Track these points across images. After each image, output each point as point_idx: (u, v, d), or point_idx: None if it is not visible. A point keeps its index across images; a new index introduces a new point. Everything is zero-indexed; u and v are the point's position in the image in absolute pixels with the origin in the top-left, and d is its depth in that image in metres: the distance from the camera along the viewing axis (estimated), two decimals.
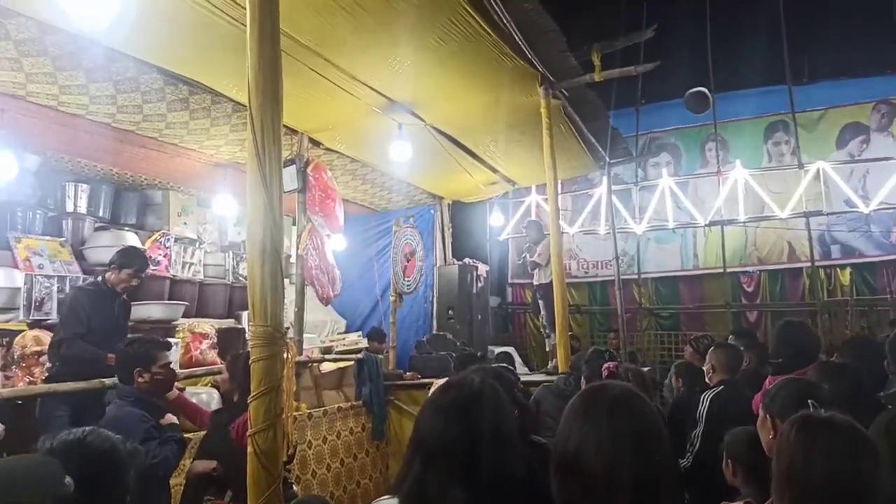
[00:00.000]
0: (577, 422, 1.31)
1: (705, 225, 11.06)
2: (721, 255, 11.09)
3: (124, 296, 4.56)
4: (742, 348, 4.48)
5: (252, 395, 2.07)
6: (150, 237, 6.93)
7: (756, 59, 10.84)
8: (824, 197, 10.12)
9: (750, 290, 11.35)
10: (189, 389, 5.34)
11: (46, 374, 4.44)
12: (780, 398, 2.17)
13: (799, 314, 10.45)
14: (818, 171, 10.10)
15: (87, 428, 1.62)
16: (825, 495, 1.47)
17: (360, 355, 6.66)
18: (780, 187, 10.61)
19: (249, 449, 2.07)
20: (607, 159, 8.05)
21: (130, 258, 4.49)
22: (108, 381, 4.23)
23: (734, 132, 11.55)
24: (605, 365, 2.88)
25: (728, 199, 10.76)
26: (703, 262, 11.76)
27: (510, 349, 8.54)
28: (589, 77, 5.61)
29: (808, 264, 10.31)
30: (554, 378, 5.14)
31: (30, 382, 4.86)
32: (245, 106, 5.68)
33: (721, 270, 11.10)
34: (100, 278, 4.59)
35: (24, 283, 5.41)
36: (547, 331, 7.18)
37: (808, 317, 10.27)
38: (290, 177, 6.19)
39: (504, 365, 3.61)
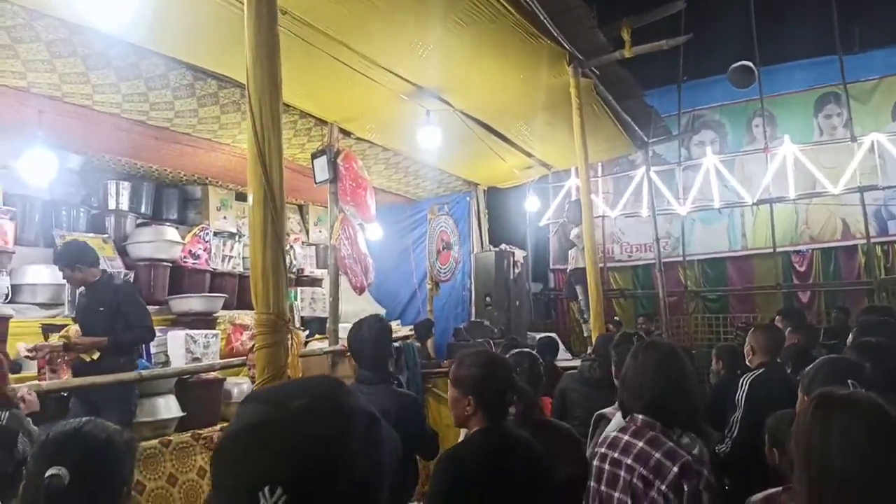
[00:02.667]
0: None
1: (753, 203, 10.69)
2: (771, 235, 10.70)
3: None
4: (788, 329, 4.31)
5: (256, 382, 2.07)
6: (190, 231, 7.08)
7: (804, 28, 10.39)
8: (879, 170, 9.66)
9: (802, 269, 10.93)
10: (230, 379, 5.46)
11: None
12: (819, 379, 2.06)
13: (854, 293, 10.04)
14: (872, 143, 9.64)
15: (83, 418, 1.62)
16: (844, 476, 1.38)
17: (397, 344, 6.67)
18: (833, 162, 10.17)
19: None
20: (645, 139, 7.83)
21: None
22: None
23: (782, 106, 11.10)
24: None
25: (777, 176, 10.39)
26: (751, 242, 11.37)
27: (552, 335, 8.45)
28: (619, 54, 5.43)
29: (864, 241, 9.86)
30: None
31: None
32: None
33: (771, 250, 10.72)
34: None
35: None
36: (585, 316, 7.05)
37: (864, 296, 9.85)
38: (320, 167, 6.22)
39: (526, 350, 3.53)
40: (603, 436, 2.27)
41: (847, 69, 9.93)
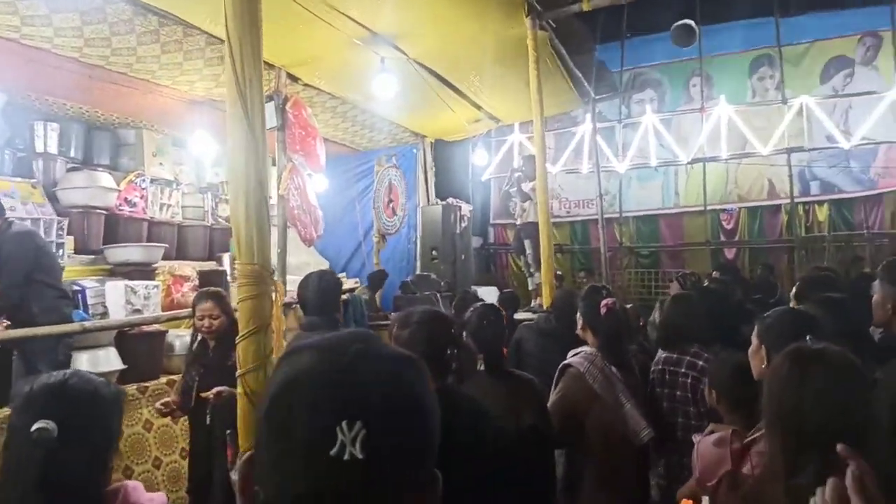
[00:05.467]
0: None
1: (687, 163, 11.04)
2: (702, 193, 11.13)
3: None
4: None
5: (240, 335, 2.02)
6: (124, 178, 6.74)
7: None
8: (806, 133, 10.13)
9: (729, 227, 11.46)
10: (172, 332, 5.31)
11: None
12: (775, 329, 2.14)
13: (776, 251, 10.62)
14: (801, 106, 10.06)
15: (68, 371, 1.55)
16: (817, 428, 1.45)
17: (345, 296, 6.63)
18: (764, 123, 10.58)
19: (239, 389, 2.03)
20: (592, 95, 7.90)
21: None
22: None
23: (719, 67, 11.41)
24: (604, 302, 2.86)
25: (711, 137, 10.73)
26: (683, 200, 11.80)
27: (492, 288, 8.57)
28: (577, 7, 5.42)
29: (787, 201, 10.39)
30: (535, 317, 5.16)
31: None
32: (220, 39, 5.44)
33: (701, 208, 11.16)
34: None
35: None
36: (532, 269, 7.18)
37: (785, 253, 10.42)
38: (268, 114, 5.96)
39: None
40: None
41: (782, 32, 10.26)
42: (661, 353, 3.15)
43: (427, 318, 2.17)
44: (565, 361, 2.97)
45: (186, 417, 3.63)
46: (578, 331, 3.09)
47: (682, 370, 2.91)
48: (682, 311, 3.21)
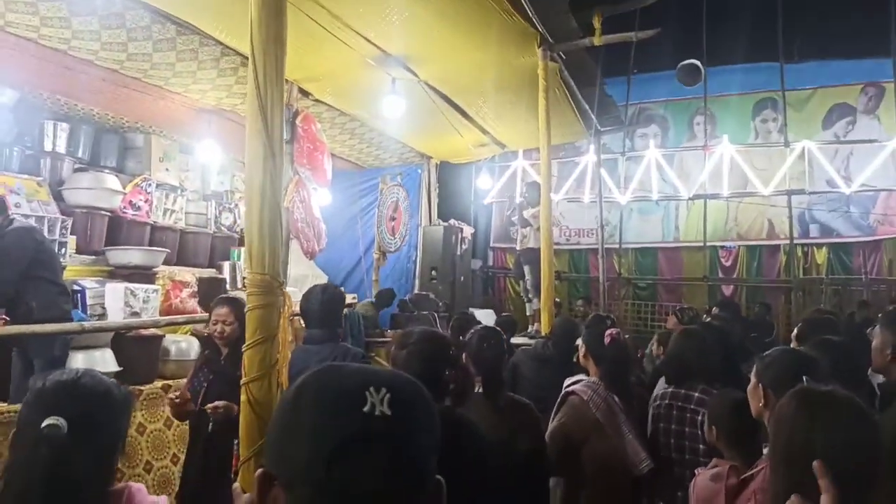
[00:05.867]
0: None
1: (689, 198, 11.13)
2: (702, 229, 11.20)
3: None
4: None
5: (247, 343, 2.03)
6: (130, 181, 6.76)
7: (749, 34, 10.81)
8: (807, 176, 10.23)
9: (728, 264, 11.51)
10: (169, 336, 5.30)
11: None
12: (774, 368, 2.16)
13: (774, 290, 10.67)
14: (803, 149, 10.19)
15: (80, 368, 1.56)
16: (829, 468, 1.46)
17: (344, 311, 6.62)
18: (765, 164, 10.70)
19: (243, 398, 2.04)
20: (597, 126, 7.99)
21: None
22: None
23: (723, 107, 11.56)
24: (608, 331, 2.87)
25: (712, 174, 10.83)
26: (683, 234, 11.87)
27: (489, 311, 8.58)
28: (588, 41, 5.51)
29: (787, 241, 10.46)
30: (532, 342, 5.17)
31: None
32: (235, 51, 5.51)
33: (701, 244, 11.23)
34: None
35: None
36: (530, 295, 7.19)
37: (783, 293, 10.47)
38: None
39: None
40: None
41: (786, 77, 10.43)
42: (665, 388, 3.12)
43: (425, 338, 2.18)
44: (567, 388, 2.97)
45: (180, 424, 3.59)
46: (581, 359, 3.09)
47: (692, 406, 2.88)
48: (695, 346, 3.11)
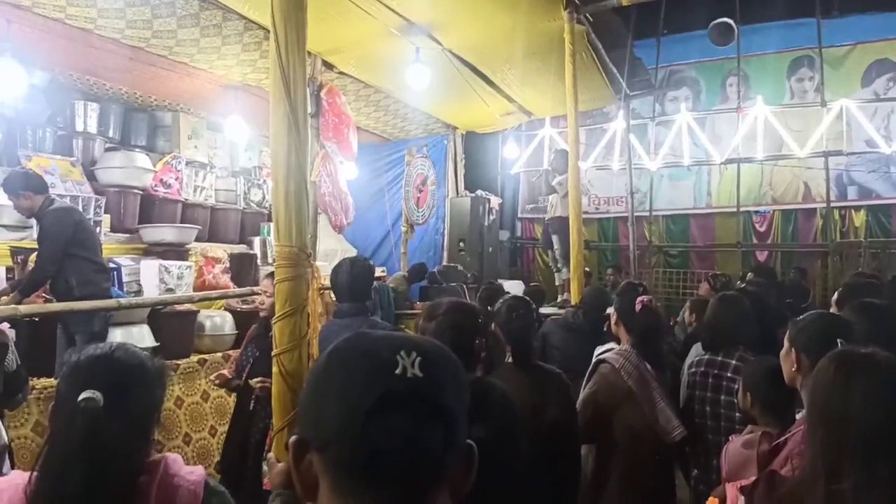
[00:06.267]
0: None
1: (722, 163, 10.87)
2: (735, 194, 10.96)
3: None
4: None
5: (277, 315, 2.05)
6: (160, 159, 6.85)
7: None
8: (845, 136, 9.90)
9: (762, 229, 11.25)
10: (203, 312, 5.41)
11: None
12: (807, 333, 2.11)
13: (810, 255, 10.43)
14: (841, 109, 9.84)
15: (114, 343, 1.59)
16: (861, 433, 1.41)
17: (374, 284, 6.67)
18: (801, 125, 10.37)
19: (275, 369, 2.06)
20: (626, 91, 7.82)
21: None
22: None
23: (757, 67, 11.18)
24: (640, 298, 2.83)
25: (746, 137, 10.55)
26: (715, 200, 11.61)
27: (518, 282, 8.56)
28: (616, 1, 5.36)
29: (823, 205, 10.18)
30: (563, 312, 5.15)
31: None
32: (258, 25, 5.49)
33: (734, 209, 10.99)
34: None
35: None
36: (559, 265, 7.15)
37: (819, 258, 10.23)
38: None
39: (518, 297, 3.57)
40: None
41: (822, 33, 10.03)
42: (700, 355, 3.07)
43: (454, 308, 2.17)
44: (599, 356, 2.96)
45: (217, 397, 3.66)
46: (612, 327, 3.06)
47: (728, 374, 2.84)
48: (734, 311, 3.04)
